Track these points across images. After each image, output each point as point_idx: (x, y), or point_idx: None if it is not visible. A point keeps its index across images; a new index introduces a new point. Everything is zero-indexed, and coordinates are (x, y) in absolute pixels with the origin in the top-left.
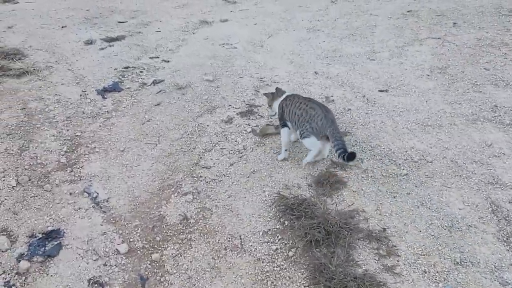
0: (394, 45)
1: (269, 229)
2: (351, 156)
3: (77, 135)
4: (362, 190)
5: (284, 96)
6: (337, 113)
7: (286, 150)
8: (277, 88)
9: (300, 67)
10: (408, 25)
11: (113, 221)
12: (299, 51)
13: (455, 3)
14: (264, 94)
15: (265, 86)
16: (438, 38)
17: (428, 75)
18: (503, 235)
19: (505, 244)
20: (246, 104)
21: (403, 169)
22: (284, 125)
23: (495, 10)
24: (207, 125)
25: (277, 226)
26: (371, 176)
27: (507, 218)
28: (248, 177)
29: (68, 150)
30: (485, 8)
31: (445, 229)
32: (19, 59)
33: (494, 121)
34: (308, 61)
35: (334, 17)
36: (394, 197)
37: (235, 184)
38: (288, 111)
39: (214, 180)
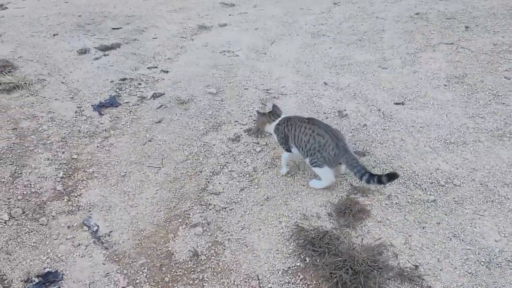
0: (406, 51)
1: (289, 267)
2: (394, 176)
3: (74, 158)
4: (388, 220)
5: (280, 119)
6: (352, 129)
7: (286, 165)
8: (270, 112)
9: (307, 77)
10: (418, 29)
11: (117, 259)
12: (305, 58)
13: (464, 4)
14: (257, 111)
15: (272, 99)
16: (451, 43)
17: (445, 85)
18: None
19: None
20: (253, 120)
21: (430, 195)
22: (288, 150)
23: (508, 12)
24: (213, 145)
25: (298, 264)
26: (396, 203)
27: None
28: (262, 205)
29: (64, 176)
30: (496, 10)
31: (482, 265)
32: (9, 71)
33: None
34: (315, 70)
35: (338, 21)
36: (423, 227)
37: (248, 214)
38: (293, 136)
39: (225, 208)
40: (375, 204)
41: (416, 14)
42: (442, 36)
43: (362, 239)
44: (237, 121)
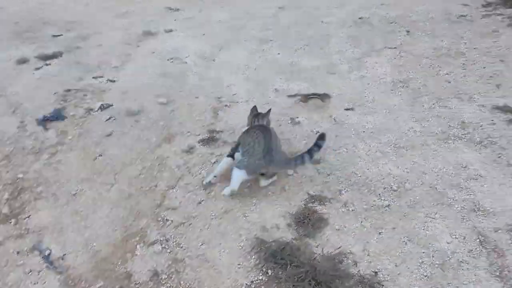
0: (352, 56)
1: (252, 281)
2: (323, 136)
3: (19, 177)
4: (346, 227)
5: (246, 128)
6: (305, 136)
7: (215, 176)
8: (257, 114)
9: (258, 84)
10: (362, 33)
11: (72, 284)
12: (254, 65)
13: (404, 9)
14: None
15: (223, 107)
16: (395, 48)
17: (392, 90)
18: (495, 269)
19: (499, 279)
20: (207, 130)
21: (384, 200)
22: (230, 154)
23: (444, 16)
24: (167, 157)
25: (260, 277)
26: (352, 210)
27: (496, 250)
28: (221, 218)
29: (10, 197)
30: (434, 14)
31: (437, 267)
32: None
33: (465, 139)
34: (265, 76)
35: (285, 26)
36: (380, 233)
37: (207, 228)
38: (243, 142)
39: (183, 223)
40: (332, 212)
41: (360, 18)
42: (385, 41)
43: (322, 248)
44: (189, 131)
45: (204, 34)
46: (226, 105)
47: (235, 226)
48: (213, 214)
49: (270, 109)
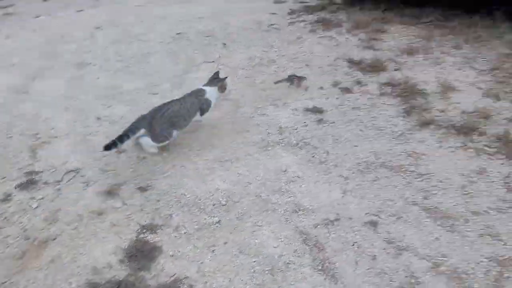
0: (173, 74)
1: None
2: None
3: None
4: (179, 251)
5: None
6: (132, 163)
7: None
8: (216, 78)
9: (78, 114)
10: (182, 49)
11: None
12: (73, 93)
13: (219, 22)
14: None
15: (42, 144)
16: (213, 61)
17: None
18: (317, 264)
19: (322, 273)
20: (24, 172)
21: (214, 217)
22: None
23: (257, 26)
24: None
25: None
26: (184, 233)
27: (317, 245)
28: (47, 269)
29: None
30: (247, 25)
31: (267, 273)
32: None
33: (283, 144)
34: (86, 104)
35: (103, 47)
36: (213, 251)
37: (32, 283)
38: None
39: (3, 283)
40: (164, 238)
41: (178, 34)
42: (204, 55)
43: (157, 278)
44: (5, 177)
45: (13, 64)
46: (44, 142)
47: (64, 274)
48: (37, 266)
49: (226, 77)
